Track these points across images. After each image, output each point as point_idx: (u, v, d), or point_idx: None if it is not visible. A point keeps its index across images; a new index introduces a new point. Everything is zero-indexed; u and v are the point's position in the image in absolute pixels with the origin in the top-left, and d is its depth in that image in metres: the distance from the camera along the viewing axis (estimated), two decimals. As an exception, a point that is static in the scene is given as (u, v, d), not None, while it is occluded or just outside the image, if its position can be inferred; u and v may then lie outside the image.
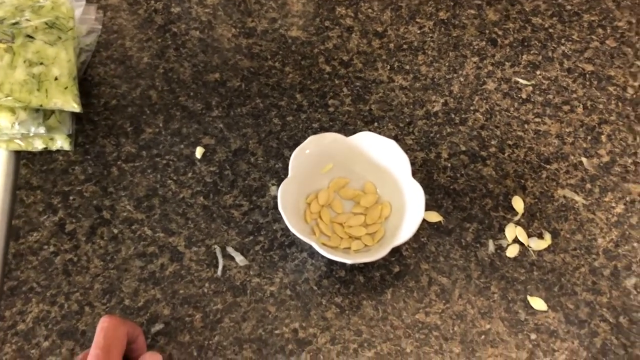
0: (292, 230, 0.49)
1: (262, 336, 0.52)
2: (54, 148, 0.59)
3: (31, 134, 0.56)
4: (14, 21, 0.54)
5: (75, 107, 0.54)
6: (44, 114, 0.55)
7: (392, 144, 0.53)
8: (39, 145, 0.58)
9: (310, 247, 0.55)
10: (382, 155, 0.54)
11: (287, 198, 0.51)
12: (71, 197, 0.58)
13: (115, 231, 0.56)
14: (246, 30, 0.67)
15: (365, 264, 0.55)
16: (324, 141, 0.54)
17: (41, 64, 0.53)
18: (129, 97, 0.63)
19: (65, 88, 0.53)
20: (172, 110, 0.62)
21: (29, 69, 0.52)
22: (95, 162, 0.60)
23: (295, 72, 0.65)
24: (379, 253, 0.49)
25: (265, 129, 0.61)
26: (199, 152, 0.60)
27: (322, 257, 0.55)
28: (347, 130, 0.61)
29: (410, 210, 0.51)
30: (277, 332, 0.52)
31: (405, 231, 0.50)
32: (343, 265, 0.55)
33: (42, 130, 0.55)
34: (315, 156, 0.54)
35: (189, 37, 0.67)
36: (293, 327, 0.52)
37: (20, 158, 0.60)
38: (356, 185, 0.57)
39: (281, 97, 0.63)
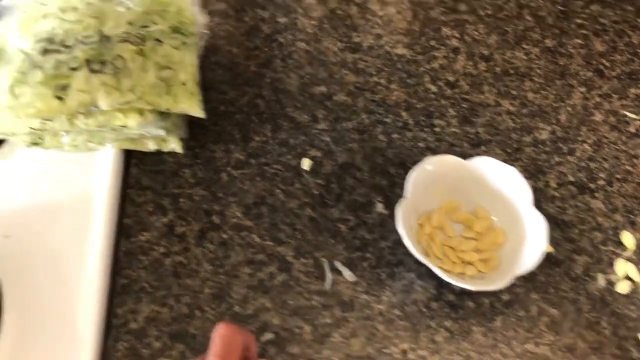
0: (416, 254, 0.49)
1: (371, 354, 0.52)
2: (165, 150, 0.60)
3: (152, 136, 0.57)
4: (143, 24, 0.55)
5: (200, 113, 0.55)
6: (164, 117, 0.55)
7: (513, 171, 0.53)
8: (152, 146, 0.59)
9: (418, 267, 0.55)
10: (499, 182, 0.54)
11: (404, 218, 0.52)
12: (181, 200, 0.58)
13: (225, 236, 0.57)
14: (352, 45, 0.68)
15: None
16: (440, 162, 0.54)
17: (169, 68, 0.54)
18: (237, 104, 0.64)
19: (191, 93, 0.54)
20: (279, 120, 0.63)
21: (159, 72, 0.53)
22: (205, 167, 0.60)
23: (400, 90, 0.65)
24: (501, 281, 0.49)
25: (370, 145, 0.62)
26: (306, 163, 0.60)
27: (431, 279, 0.55)
28: (454, 151, 0.61)
29: (529, 240, 0.51)
30: (386, 351, 0.52)
31: (527, 261, 0.50)
32: (452, 289, 0.55)
33: (162, 132, 0.55)
34: (430, 177, 0.55)
35: (295, 49, 0.68)
36: (402, 347, 0.52)
37: (131, 158, 0.61)
38: (467, 209, 0.57)
39: (387, 113, 0.64)
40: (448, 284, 0.55)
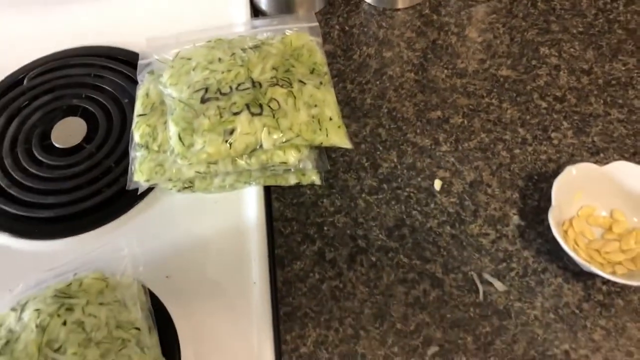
0: (576, 258, 0.52)
1: (536, 357, 0.54)
2: (304, 183, 0.63)
3: (295, 171, 0.61)
4: (285, 69, 0.59)
5: (348, 144, 0.59)
6: (312, 152, 0.60)
7: (650, 172, 0.56)
8: (292, 180, 0.63)
9: (564, 272, 0.58)
10: (635, 184, 0.57)
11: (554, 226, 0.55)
12: (325, 228, 0.62)
13: (373, 259, 0.60)
14: (458, 71, 0.72)
15: (620, 287, 0.57)
16: (579, 169, 0.58)
17: (316, 106, 0.58)
18: (360, 135, 0.68)
19: (339, 127, 0.58)
20: (402, 146, 0.67)
21: (309, 110, 0.57)
22: (341, 195, 0.64)
23: (512, 108, 0.69)
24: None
25: (495, 162, 0.65)
26: (437, 184, 0.64)
27: (578, 282, 0.57)
28: (574, 161, 0.64)
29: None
30: (548, 353, 0.54)
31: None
32: (599, 289, 0.57)
33: (309, 166, 0.59)
34: (570, 185, 0.58)
35: (405, 79, 0.72)
36: (563, 348, 0.54)
37: (271, 193, 0.65)
38: (603, 213, 0.59)
39: (504, 131, 0.67)
40: (594, 286, 0.57)
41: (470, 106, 0.69)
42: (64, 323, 0.49)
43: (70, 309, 0.50)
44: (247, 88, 0.57)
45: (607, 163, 0.62)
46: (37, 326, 0.49)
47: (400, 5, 0.79)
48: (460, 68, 0.72)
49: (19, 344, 0.48)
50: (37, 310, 0.50)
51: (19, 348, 0.48)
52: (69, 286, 0.53)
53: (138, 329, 0.51)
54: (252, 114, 0.55)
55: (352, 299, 0.58)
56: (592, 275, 0.57)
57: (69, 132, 0.69)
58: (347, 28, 0.78)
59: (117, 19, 0.78)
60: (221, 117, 0.55)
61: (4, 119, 0.71)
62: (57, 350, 0.48)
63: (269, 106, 0.56)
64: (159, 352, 0.52)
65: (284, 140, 0.55)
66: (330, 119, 0.58)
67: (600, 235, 0.59)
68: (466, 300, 0.57)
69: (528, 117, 0.68)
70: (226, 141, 0.54)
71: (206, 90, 0.57)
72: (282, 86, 0.57)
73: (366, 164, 0.66)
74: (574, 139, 0.66)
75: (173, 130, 0.56)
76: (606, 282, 0.57)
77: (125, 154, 0.66)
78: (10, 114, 0.71)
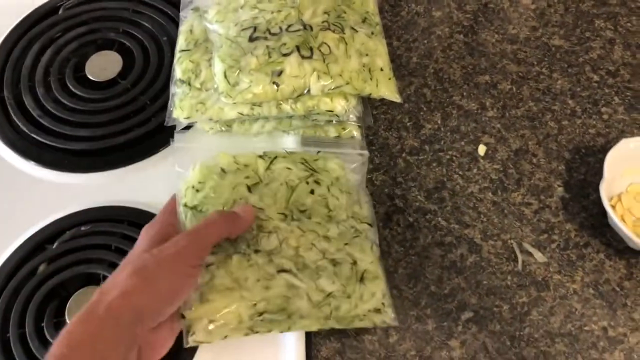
0: (628, 233, 0.51)
1: (572, 331, 0.53)
2: (344, 136, 0.61)
3: (337, 122, 0.58)
4: (337, 14, 0.57)
5: (398, 98, 0.56)
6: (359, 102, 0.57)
7: None
8: (332, 133, 0.60)
9: (606, 248, 0.56)
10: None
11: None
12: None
13: (411, 219, 0.58)
14: (509, 37, 0.70)
15: (664, 269, 0.55)
16: (634, 144, 0.56)
17: (367, 55, 0.56)
18: (404, 94, 0.66)
19: (389, 79, 0.56)
20: (447, 109, 0.65)
21: (360, 59, 0.55)
22: (380, 153, 0.62)
23: (563, 79, 0.66)
24: None
25: (542, 132, 0.63)
26: (481, 149, 0.62)
27: (621, 259, 0.56)
28: (625, 137, 0.62)
29: None
30: (586, 328, 0.53)
31: None
32: (643, 269, 0.55)
33: (355, 117, 0.57)
34: (621, 159, 0.56)
35: (454, 40, 0.69)
36: (601, 325, 0.53)
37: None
38: (652, 192, 0.58)
39: (553, 102, 0.65)
40: (637, 264, 0.55)
41: (520, 73, 0.67)
42: (312, 192, 0.51)
43: (317, 182, 0.52)
44: (298, 30, 0.54)
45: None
46: (287, 183, 0.51)
47: (452, -35, 0.76)
48: (512, 34, 0.70)
49: (269, 190, 0.50)
50: (288, 169, 0.52)
51: (268, 194, 0.50)
52: (315, 161, 0.54)
53: (370, 225, 0.52)
54: (302, 57, 0.53)
55: (386, 257, 0.56)
56: (636, 254, 0.56)
57: (104, 65, 0.67)
58: (395, -17, 0.75)
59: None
60: (270, 57, 0.53)
61: (37, 47, 0.69)
62: (302, 212, 0.50)
63: (320, 50, 0.53)
64: (379, 254, 0.52)
65: (333, 87, 0.53)
66: (382, 69, 0.56)
67: (648, 214, 0.57)
68: (504, 268, 0.56)
69: (579, 89, 0.66)
70: (273, 82, 0.52)
71: (255, 29, 0.55)
72: (333, 31, 0.55)
73: (408, 124, 0.64)
74: (625, 115, 0.64)
75: (219, 67, 0.53)
76: (650, 261, 0.56)
77: (161, 92, 0.64)
78: (44, 43, 0.69)
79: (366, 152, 0.56)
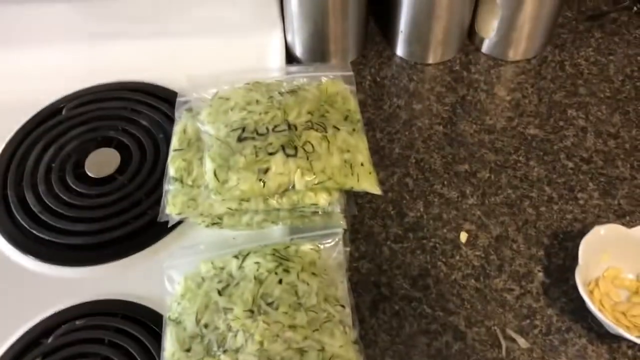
0: (604, 319, 0.52)
1: (559, 420, 0.53)
2: (331, 226, 0.64)
3: (323, 213, 0.61)
4: (320, 114, 0.61)
5: (378, 190, 0.59)
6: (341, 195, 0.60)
7: (679, 238, 0.56)
8: (318, 223, 0.63)
9: (588, 333, 0.57)
10: (664, 248, 0.57)
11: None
12: (349, 273, 0.62)
13: (396, 307, 0.60)
14: (486, 127, 0.74)
15: (646, 353, 0.56)
16: (607, 230, 0.58)
17: (349, 151, 0.59)
18: (387, 184, 0.69)
19: (369, 173, 0.59)
20: (429, 197, 0.68)
21: (341, 155, 0.58)
22: (366, 241, 0.64)
23: (539, 167, 0.70)
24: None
25: (521, 218, 0.66)
26: (463, 237, 0.64)
27: (602, 344, 0.57)
28: (600, 222, 0.65)
29: None
30: (572, 416, 0.53)
31: None
32: (625, 353, 0.56)
33: (339, 209, 0.60)
34: (597, 245, 0.58)
35: (434, 131, 0.73)
36: (588, 412, 0.53)
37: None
38: (629, 276, 0.59)
39: (531, 188, 0.68)
40: (619, 349, 0.56)
41: (498, 162, 0.70)
42: (280, 282, 0.53)
43: (286, 271, 0.54)
44: (284, 130, 0.58)
45: (633, 226, 0.62)
46: (255, 278, 0.53)
47: (431, 60, 0.81)
48: (489, 124, 0.74)
49: (238, 290, 0.52)
50: (257, 263, 0.54)
51: (236, 293, 0.52)
52: (286, 249, 0.56)
53: (343, 306, 0.53)
54: (287, 155, 0.56)
55: (373, 347, 0.57)
56: (618, 338, 0.57)
57: (102, 162, 0.71)
58: (378, 79, 0.80)
59: (157, 58, 0.80)
60: (257, 156, 0.56)
61: (41, 146, 0.72)
62: (269, 304, 0.51)
63: (304, 148, 0.57)
64: (356, 336, 0.53)
65: (316, 182, 0.56)
66: (362, 164, 0.59)
67: (626, 298, 0.59)
68: (489, 355, 0.57)
69: (554, 176, 0.69)
70: (260, 180, 0.55)
71: (243, 129, 0.59)
72: (317, 130, 0.59)
73: (392, 212, 0.67)
74: (600, 200, 0.67)
75: (209, 166, 0.57)
76: (632, 346, 0.57)
77: (156, 187, 0.67)
78: (47, 141, 0.73)
79: (340, 230, 0.58)
